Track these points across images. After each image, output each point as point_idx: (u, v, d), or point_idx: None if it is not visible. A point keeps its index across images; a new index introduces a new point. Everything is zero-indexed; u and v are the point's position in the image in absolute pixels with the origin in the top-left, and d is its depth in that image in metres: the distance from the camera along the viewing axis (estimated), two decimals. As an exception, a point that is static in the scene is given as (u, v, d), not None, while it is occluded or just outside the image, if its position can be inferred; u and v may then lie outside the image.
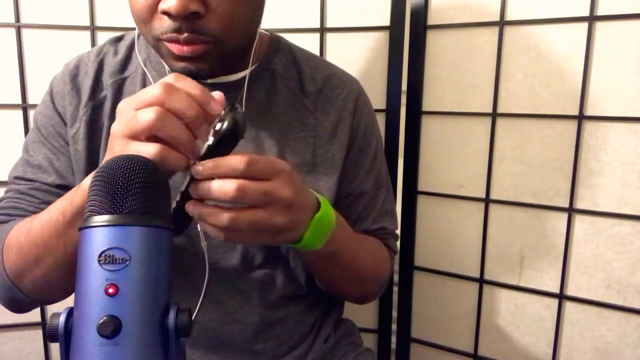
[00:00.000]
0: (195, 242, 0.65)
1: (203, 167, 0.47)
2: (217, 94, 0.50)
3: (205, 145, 0.48)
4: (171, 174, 0.52)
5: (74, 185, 0.66)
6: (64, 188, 0.66)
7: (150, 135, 0.46)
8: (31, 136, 0.69)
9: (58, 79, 0.69)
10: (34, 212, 0.64)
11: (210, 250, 0.65)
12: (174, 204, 0.51)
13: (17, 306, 0.63)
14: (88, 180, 0.52)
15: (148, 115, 0.45)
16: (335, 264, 0.65)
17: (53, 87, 0.69)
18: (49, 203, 0.63)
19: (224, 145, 0.48)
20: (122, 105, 0.49)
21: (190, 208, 0.50)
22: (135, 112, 0.46)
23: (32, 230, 0.58)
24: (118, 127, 0.48)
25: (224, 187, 0.47)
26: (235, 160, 0.47)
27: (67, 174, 0.67)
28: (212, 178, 0.47)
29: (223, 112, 0.49)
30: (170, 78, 0.48)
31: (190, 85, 0.48)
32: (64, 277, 0.58)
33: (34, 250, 0.57)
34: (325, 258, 0.62)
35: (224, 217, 0.48)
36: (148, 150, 0.45)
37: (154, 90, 0.46)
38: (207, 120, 0.48)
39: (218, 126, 0.48)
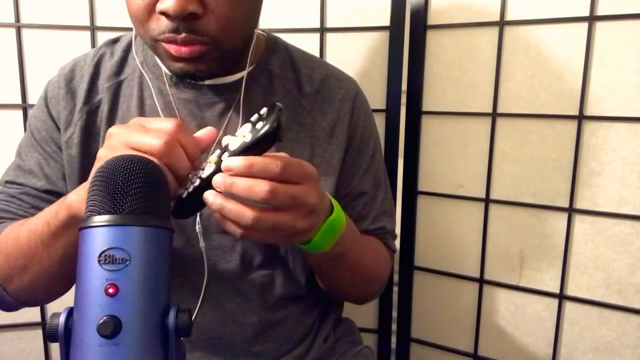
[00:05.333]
0: (194, 243, 0.65)
1: (237, 163, 0.47)
2: (208, 130, 0.53)
3: (241, 142, 0.47)
4: None
5: (63, 191, 0.66)
6: (53, 194, 0.66)
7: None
8: (25, 140, 0.70)
9: (53, 83, 0.69)
10: (24, 216, 0.64)
11: (209, 251, 0.65)
12: (190, 188, 0.50)
13: (4, 307, 0.64)
14: (73, 194, 0.52)
15: (158, 143, 0.46)
16: (340, 265, 0.65)
17: (48, 91, 0.69)
18: (37, 208, 0.64)
19: (262, 145, 0.47)
20: (114, 132, 0.50)
21: (211, 198, 0.49)
22: (130, 151, 0.47)
23: (19, 237, 0.58)
24: (125, 133, 0.49)
25: (255, 188, 0.47)
26: (271, 163, 0.47)
27: (56, 179, 0.67)
28: (241, 175, 0.47)
29: (265, 110, 0.49)
30: (172, 126, 0.49)
31: (189, 142, 0.50)
32: (51, 282, 0.59)
33: (20, 257, 0.58)
34: (331, 259, 0.62)
35: (248, 216, 0.48)
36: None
37: (155, 141, 0.47)
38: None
39: (259, 125, 0.47)
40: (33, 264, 0.57)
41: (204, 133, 0.52)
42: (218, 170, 0.48)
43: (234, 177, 0.47)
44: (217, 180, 0.48)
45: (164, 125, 0.49)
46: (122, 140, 0.48)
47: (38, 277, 0.58)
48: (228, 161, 0.47)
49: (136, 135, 0.48)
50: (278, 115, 0.47)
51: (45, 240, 0.55)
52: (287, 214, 0.50)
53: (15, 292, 0.61)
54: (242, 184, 0.47)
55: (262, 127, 0.47)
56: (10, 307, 0.63)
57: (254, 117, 0.49)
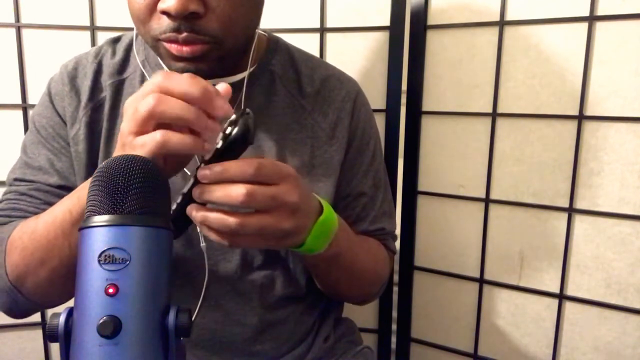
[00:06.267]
0: (195, 243, 0.65)
1: (210, 170, 0.47)
2: (223, 86, 0.49)
3: (213, 149, 0.48)
4: (186, 159, 0.51)
5: (76, 185, 0.66)
6: (66, 189, 0.65)
7: (156, 124, 0.45)
8: (30, 137, 0.69)
9: (56, 80, 0.69)
10: (35, 213, 0.63)
11: (209, 252, 0.65)
12: (174, 206, 0.50)
13: (16, 311, 0.62)
14: None
15: (147, 102, 0.45)
16: (336, 266, 0.65)
17: (51, 88, 0.69)
18: (49, 204, 0.62)
19: (233, 150, 0.48)
20: (126, 104, 0.49)
21: (193, 212, 0.49)
22: (136, 102, 0.46)
23: (36, 230, 0.57)
24: (124, 125, 0.48)
25: (233, 192, 0.47)
26: (245, 165, 0.47)
27: (69, 174, 0.67)
28: (217, 182, 0.47)
29: (234, 116, 0.49)
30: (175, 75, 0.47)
31: (195, 77, 0.47)
32: (67, 277, 0.57)
33: (38, 251, 0.56)
34: (326, 261, 0.62)
35: (231, 222, 0.48)
36: (151, 138, 0.45)
37: (153, 79, 0.46)
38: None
39: (228, 130, 0.48)
40: (52, 257, 0.56)
41: (220, 88, 0.49)
42: (197, 182, 0.48)
43: (211, 185, 0.47)
44: (195, 191, 0.48)
45: (148, 86, 0.46)
46: (133, 102, 0.47)
47: (56, 271, 0.57)
48: (203, 170, 0.47)
49: (141, 89, 0.47)
50: (246, 119, 0.47)
51: (66, 229, 0.54)
52: (270, 215, 0.50)
53: (29, 291, 0.59)
54: (219, 190, 0.47)
55: (231, 132, 0.47)
56: (22, 311, 0.62)
57: (225, 124, 0.50)
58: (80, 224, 0.38)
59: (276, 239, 0.53)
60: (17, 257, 0.58)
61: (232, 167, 0.47)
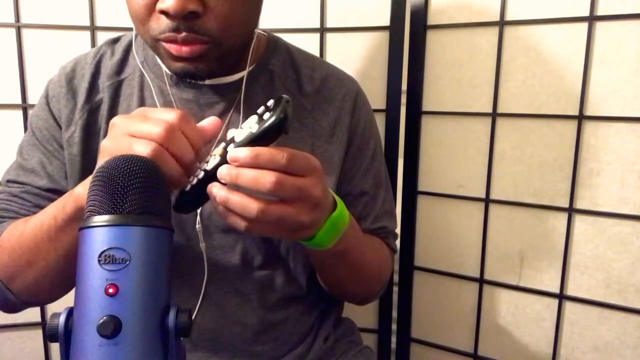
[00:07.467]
0: (194, 243, 0.65)
1: (242, 154, 0.47)
2: (212, 120, 0.51)
3: (247, 133, 0.47)
4: None
5: (65, 189, 0.66)
6: (55, 192, 0.66)
7: None
8: (26, 139, 0.70)
9: (54, 82, 0.69)
10: (25, 215, 0.64)
11: (209, 251, 0.65)
12: (194, 181, 0.50)
13: (7, 307, 0.63)
14: (80, 187, 0.52)
15: (144, 149, 0.45)
16: (342, 263, 0.65)
17: (49, 90, 0.69)
18: (39, 207, 0.64)
19: (268, 136, 0.47)
20: (117, 122, 0.49)
21: (215, 190, 0.49)
22: (130, 138, 0.47)
23: (24, 233, 0.58)
24: (109, 147, 0.48)
25: (262, 178, 0.46)
26: (277, 154, 0.47)
27: (59, 178, 0.67)
28: (247, 167, 0.47)
29: (272, 102, 0.48)
30: (174, 116, 0.48)
31: (192, 132, 0.49)
32: (55, 280, 0.59)
33: (25, 253, 0.57)
34: (334, 256, 0.62)
35: (253, 208, 0.48)
36: None
37: (155, 128, 0.46)
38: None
39: (266, 115, 0.47)
40: (38, 260, 0.57)
41: (208, 123, 0.52)
42: (223, 162, 0.48)
43: (240, 168, 0.47)
44: (222, 171, 0.48)
45: (165, 114, 0.48)
46: (124, 129, 0.48)
47: (43, 274, 0.58)
48: (234, 152, 0.47)
49: (137, 124, 0.48)
50: (285, 107, 0.47)
51: (52, 235, 0.55)
52: (292, 206, 0.49)
53: (19, 291, 0.60)
54: (248, 175, 0.47)
55: (269, 118, 0.47)
56: (13, 308, 0.63)
57: (261, 109, 0.49)
58: (80, 224, 0.38)
59: (291, 230, 0.52)
60: (6, 257, 0.59)
61: (264, 154, 0.47)
